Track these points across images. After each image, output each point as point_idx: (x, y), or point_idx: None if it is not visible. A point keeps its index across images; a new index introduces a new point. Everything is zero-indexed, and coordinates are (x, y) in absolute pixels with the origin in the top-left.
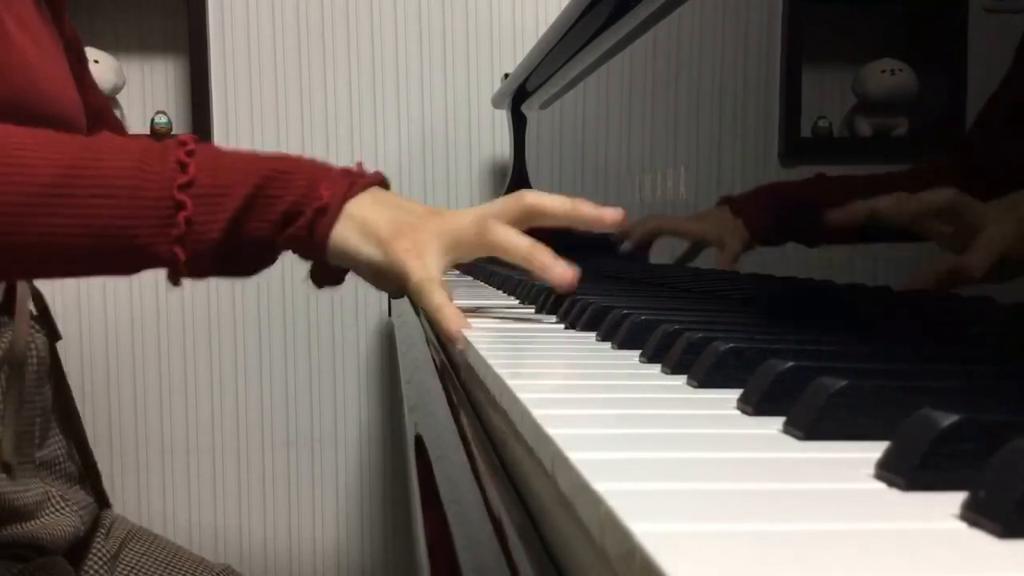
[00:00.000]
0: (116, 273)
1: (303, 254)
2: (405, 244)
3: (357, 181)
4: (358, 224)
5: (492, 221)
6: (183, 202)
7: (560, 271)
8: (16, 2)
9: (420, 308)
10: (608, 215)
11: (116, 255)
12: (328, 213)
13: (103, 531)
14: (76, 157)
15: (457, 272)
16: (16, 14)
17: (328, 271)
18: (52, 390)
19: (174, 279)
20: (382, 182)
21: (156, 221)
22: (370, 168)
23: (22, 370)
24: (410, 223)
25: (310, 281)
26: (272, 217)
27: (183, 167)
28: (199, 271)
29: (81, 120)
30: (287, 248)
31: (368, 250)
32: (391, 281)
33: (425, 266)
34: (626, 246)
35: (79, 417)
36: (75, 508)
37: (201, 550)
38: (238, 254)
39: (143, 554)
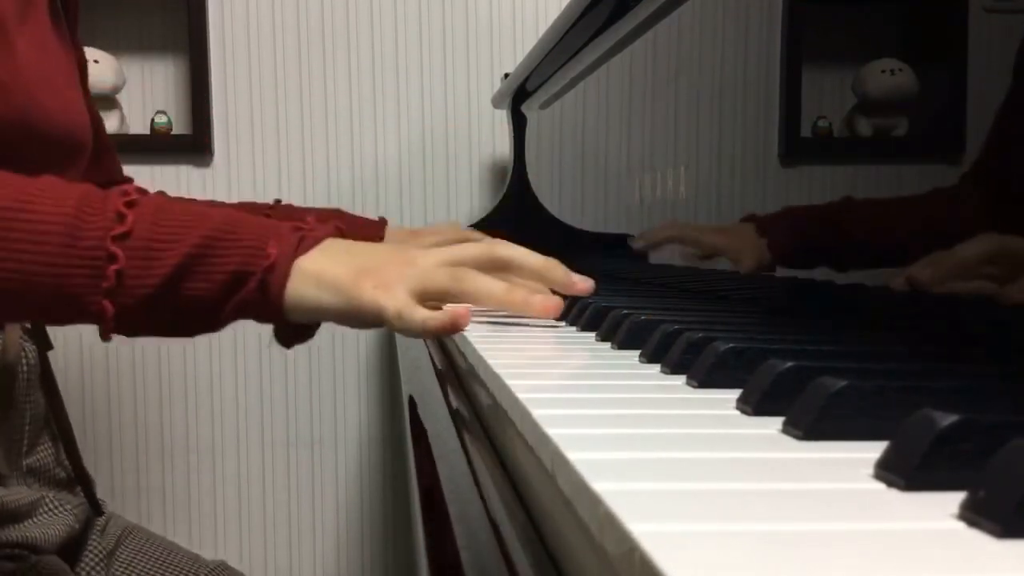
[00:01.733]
0: (50, 322)
1: (262, 318)
2: (370, 283)
3: (308, 235)
4: (313, 276)
5: (465, 270)
6: (115, 254)
7: (539, 302)
8: (32, 17)
9: (408, 335)
10: (579, 284)
11: (46, 303)
12: (277, 270)
13: (99, 529)
14: (12, 198)
15: None
16: (30, 29)
17: (296, 329)
18: (44, 399)
19: (103, 335)
20: (338, 232)
21: (87, 271)
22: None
23: (13, 379)
24: (371, 266)
25: (276, 343)
26: (215, 279)
27: (121, 218)
28: (130, 328)
29: (87, 138)
30: (242, 314)
31: (330, 299)
32: (364, 323)
33: (396, 297)
34: (640, 246)
35: (70, 426)
36: (68, 508)
37: (201, 550)
38: (176, 315)
39: (138, 551)
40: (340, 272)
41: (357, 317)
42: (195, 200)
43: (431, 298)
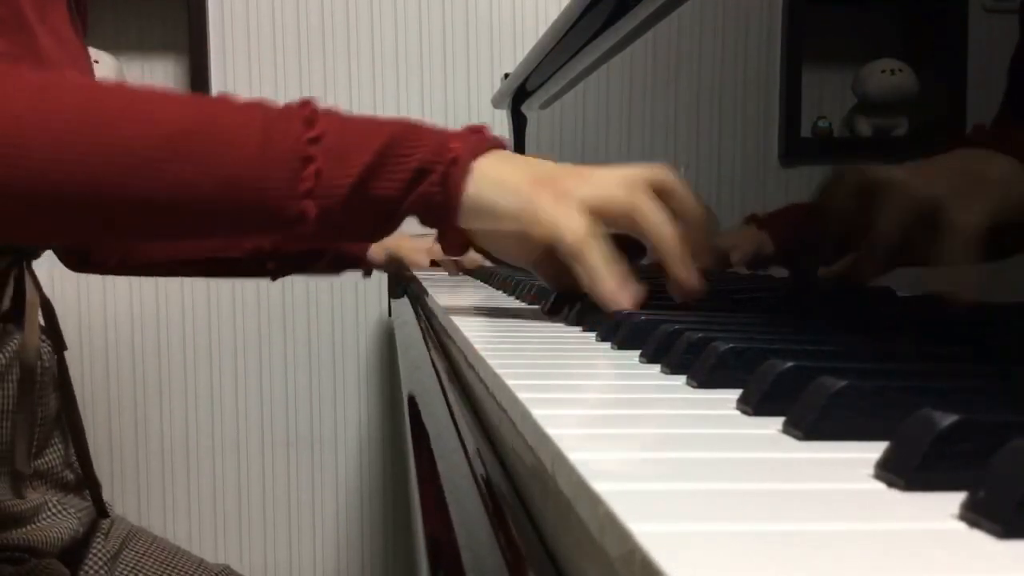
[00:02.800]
0: (247, 233)
1: (432, 217)
2: (549, 193)
3: (487, 138)
4: (493, 179)
5: (646, 199)
6: (313, 155)
7: (686, 276)
8: (52, 15)
9: (572, 261)
10: (694, 284)
11: (245, 211)
12: (460, 165)
13: (103, 532)
14: (201, 111)
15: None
16: (52, 26)
17: (454, 237)
18: (58, 400)
19: (303, 236)
20: (505, 147)
21: (286, 174)
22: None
23: (33, 379)
24: (550, 175)
25: (442, 245)
26: (402, 175)
27: (310, 123)
28: (327, 231)
29: None
30: (415, 210)
31: (507, 202)
32: (532, 241)
33: (578, 220)
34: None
35: (83, 429)
36: (73, 512)
37: (201, 550)
38: (368, 213)
39: (143, 554)
40: (519, 177)
41: (530, 227)
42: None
43: (606, 217)
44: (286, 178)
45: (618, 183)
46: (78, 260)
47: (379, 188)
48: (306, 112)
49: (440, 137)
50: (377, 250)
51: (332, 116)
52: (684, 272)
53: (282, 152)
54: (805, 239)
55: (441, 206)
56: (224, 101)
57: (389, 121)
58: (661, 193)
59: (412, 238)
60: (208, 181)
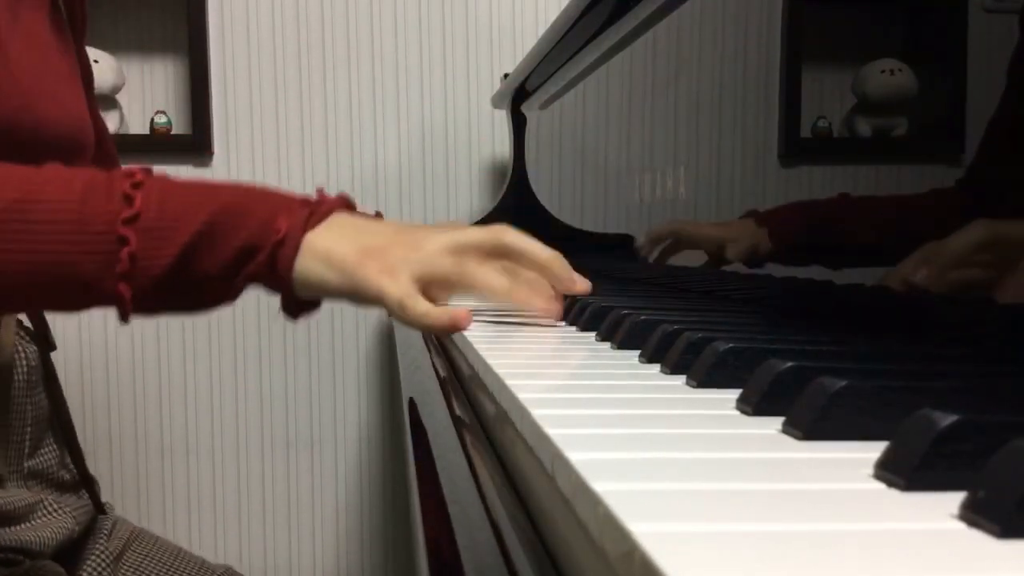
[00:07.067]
0: (65, 309)
1: (270, 288)
2: (375, 267)
3: (316, 210)
4: (321, 254)
5: (469, 259)
6: (127, 237)
7: (541, 302)
8: (26, 17)
9: (407, 325)
10: (579, 284)
11: (60, 290)
12: (287, 245)
13: (105, 533)
14: (18, 189)
15: None
16: (25, 29)
17: (301, 302)
18: (47, 400)
19: (123, 317)
20: (346, 205)
21: (99, 256)
22: (350, 181)
23: (9, 380)
24: (377, 246)
25: (284, 314)
26: (226, 254)
27: (129, 200)
28: (147, 309)
29: (88, 140)
30: (253, 284)
31: (335, 279)
32: (366, 304)
33: (400, 283)
34: (647, 252)
35: (74, 428)
36: (68, 511)
37: (201, 551)
38: (190, 291)
39: (145, 556)
40: (347, 251)
41: (359, 298)
42: (201, 179)
43: (434, 284)
44: (100, 260)
45: (446, 251)
46: None
47: (201, 268)
48: (125, 187)
49: (268, 212)
50: None
51: (154, 190)
52: (533, 308)
53: (97, 233)
54: (805, 238)
55: (273, 283)
56: (50, 172)
57: (219, 191)
58: (505, 254)
59: None
60: (24, 259)
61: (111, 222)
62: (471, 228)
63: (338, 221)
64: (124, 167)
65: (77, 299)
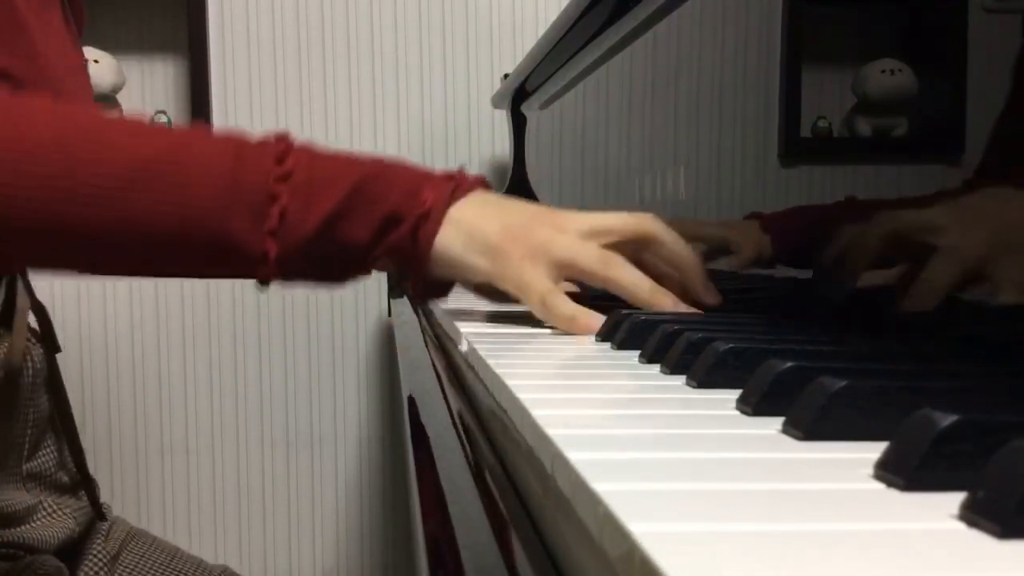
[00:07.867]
0: (201, 270)
1: (403, 265)
2: (518, 251)
3: (460, 184)
4: (464, 230)
5: (617, 258)
6: (278, 194)
7: (680, 311)
8: (46, 16)
9: (543, 319)
10: (711, 297)
11: (204, 247)
12: (431, 218)
13: (102, 533)
14: (172, 141)
15: None
16: (45, 23)
17: (431, 284)
18: (50, 403)
19: (265, 277)
20: (484, 185)
21: (250, 210)
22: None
23: (18, 382)
24: (520, 225)
25: (409, 294)
26: (370, 222)
27: (280, 160)
28: (288, 271)
29: None
30: (386, 258)
31: (476, 259)
32: (503, 292)
33: (542, 277)
34: None
35: (75, 429)
36: (68, 512)
37: (201, 551)
38: (331, 259)
39: (142, 556)
40: (490, 229)
41: (497, 282)
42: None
43: (576, 275)
44: (251, 215)
45: (588, 233)
46: None
47: (346, 234)
48: (280, 147)
49: (413, 183)
50: None
51: (304, 153)
52: (683, 308)
53: (250, 187)
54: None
55: (411, 257)
56: (199, 132)
57: (363, 161)
58: (645, 244)
59: None
60: (172, 211)
61: (264, 179)
62: (616, 213)
63: (480, 198)
64: (272, 131)
65: (221, 257)
